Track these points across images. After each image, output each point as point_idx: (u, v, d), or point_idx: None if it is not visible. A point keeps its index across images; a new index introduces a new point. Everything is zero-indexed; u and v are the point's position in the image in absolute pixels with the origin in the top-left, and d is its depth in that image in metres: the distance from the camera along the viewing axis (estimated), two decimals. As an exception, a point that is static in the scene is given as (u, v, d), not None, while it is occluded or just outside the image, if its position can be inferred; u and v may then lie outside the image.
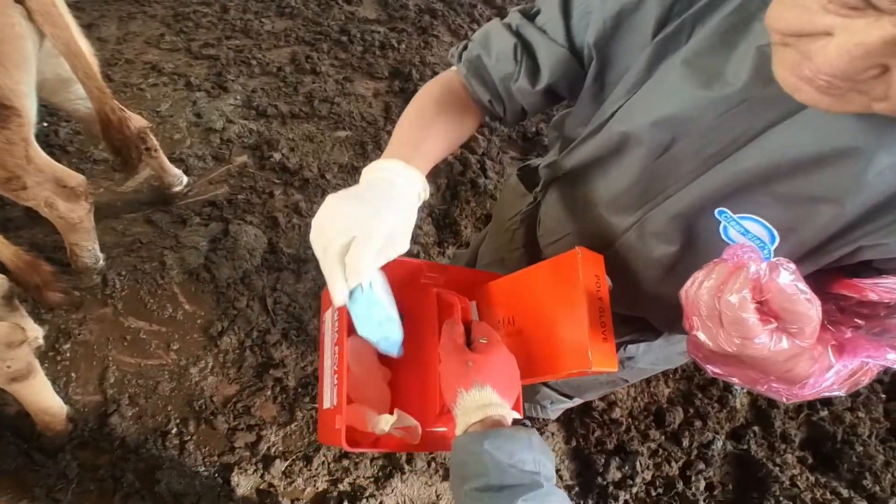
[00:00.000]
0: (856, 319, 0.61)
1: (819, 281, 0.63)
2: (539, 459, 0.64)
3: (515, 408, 0.74)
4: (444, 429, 0.84)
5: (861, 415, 1.97)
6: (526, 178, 1.05)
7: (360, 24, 2.96)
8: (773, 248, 0.62)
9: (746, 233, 0.63)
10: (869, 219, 0.56)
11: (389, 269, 0.86)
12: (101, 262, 1.63)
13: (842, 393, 0.63)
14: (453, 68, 0.83)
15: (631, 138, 0.68)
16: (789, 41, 0.46)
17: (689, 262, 0.72)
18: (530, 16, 0.75)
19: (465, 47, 0.81)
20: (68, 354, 1.51)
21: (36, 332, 1.46)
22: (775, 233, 0.61)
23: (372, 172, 0.73)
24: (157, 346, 1.58)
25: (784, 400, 0.66)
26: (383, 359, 0.93)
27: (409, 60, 2.69)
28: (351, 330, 0.73)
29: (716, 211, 0.64)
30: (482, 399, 0.68)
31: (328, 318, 0.85)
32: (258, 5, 2.97)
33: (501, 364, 0.73)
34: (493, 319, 0.87)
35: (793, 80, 0.48)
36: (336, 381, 0.76)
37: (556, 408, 1.53)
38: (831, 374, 0.59)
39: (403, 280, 0.91)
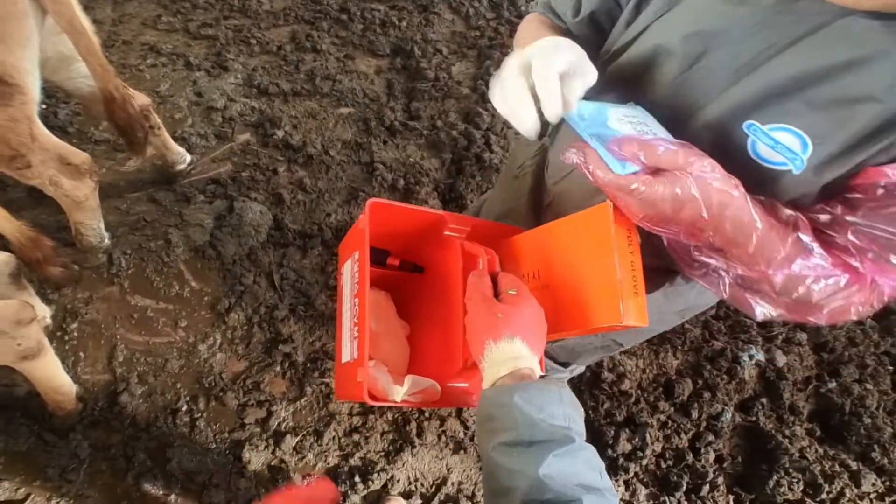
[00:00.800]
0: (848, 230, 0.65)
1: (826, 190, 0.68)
2: (570, 414, 0.63)
3: (539, 364, 0.73)
4: (466, 384, 0.83)
5: (869, 386, 1.99)
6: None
7: (360, 1, 2.95)
8: (805, 157, 0.64)
9: (776, 144, 0.65)
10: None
11: (411, 221, 0.88)
12: (106, 240, 1.64)
13: (825, 314, 0.68)
14: (529, 16, 0.97)
15: (662, 51, 0.72)
16: None
17: None
18: None
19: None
20: (76, 334, 1.53)
21: (44, 312, 1.48)
22: (808, 140, 0.63)
23: (534, 46, 0.71)
24: (164, 324, 1.60)
25: (766, 292, 0.69)
26: (403, 314, 0.93)
27: (411, 38, 2.68)
28: (371, 282, 0.74)
29: (744, 125, 0.66)
30: (512, 351, 0.67)
31: (347, 270, 0.85)
32: (256, -15, 2.96)
33: (531, 316, 0.72)
34: (518, 273, 0.86)
35: None
36: (357, 334, 0.76)
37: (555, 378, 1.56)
38: (801, 264, 0.64)
39: (426, 232, 0.90)
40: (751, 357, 1.95)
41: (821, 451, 1.84)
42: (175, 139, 1.88)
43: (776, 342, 2.03)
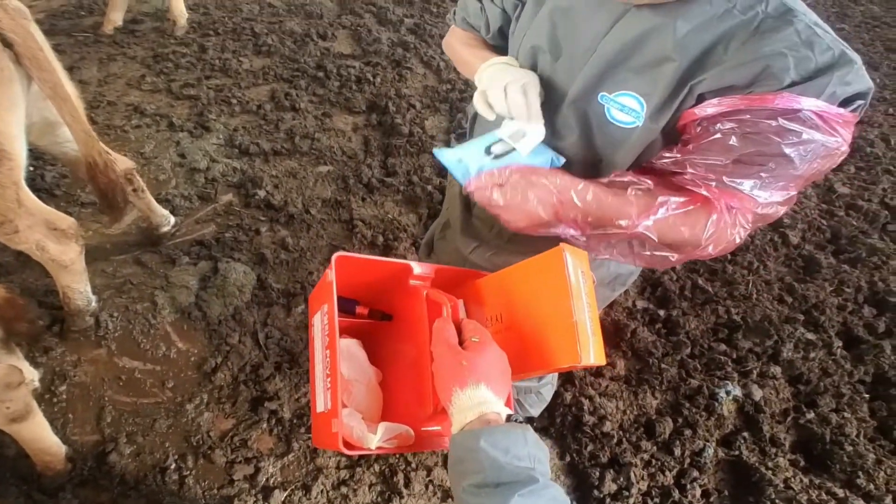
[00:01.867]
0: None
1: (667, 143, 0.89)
2: (534, 455, 0.68)
3: (507, 404, 0.78)
4: (439, 427, 0.87)
5: (847, 415, 2.09)
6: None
7: (335, 59, 3.16)
8: (643, 113, 0.85)
9: (623, 107, 0.87)
10: (695, 67, 0.80)
11: (377, 271, 0.96)
12: (93, 303, 1.73)
13: (707, 246, 0.84)
14: (452, 26, 1.19)
15: (537, 50, 0.95)
16: None
17: (588, 146, 0.95)
18: None
19: (454, 14, 1.17)
20: (64, 396, 1.60)
21: (32, 375, 1.54)
22: (642, 100, 0.85)
23: (491, 67, 0.99)
24: (152, 385, 1.67)
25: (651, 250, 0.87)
26: (374, 360, 1.00)
27: (385, 93, 2.87)
28: (340, 332, 0.81)
29: (599, 97, 0.89)
30: (478, 397, 0.72)
31: (317, 321, 0.90)
32: (235, 44, 3.16)
33: (494, 362, 0.77)
34: (482, 317, 0.92)
35: None
36: (329, 385, 0.80)
37: (535, 401, 1.67)
38: (659, 210, 0.81)
39: (393, 281, 0.97)
40: (727, 393, 2.06)
41: (806, 480, 1.91)
42: (159, 201, 2.00)
43: (751, 377, 2.14)
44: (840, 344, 2.25)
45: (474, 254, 1.20)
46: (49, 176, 2.07)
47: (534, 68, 0.97)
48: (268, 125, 2.54)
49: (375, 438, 0.82)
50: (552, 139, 0.97)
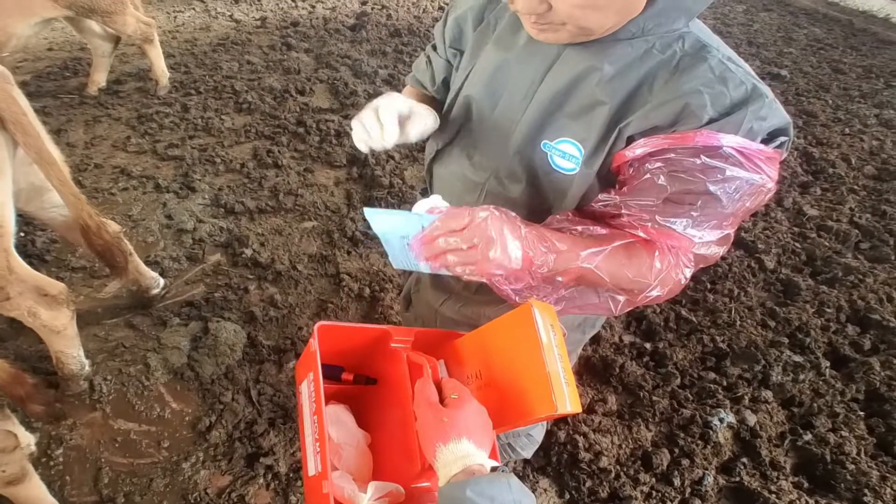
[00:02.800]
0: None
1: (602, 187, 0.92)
2: (519, 501, 0.72)
3: (492, 456, 0.85)
4: (428, 483, 0.93)
5: (845, 433, 2.15)
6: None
7: (314, 113, 3.33)
8: (582, 158, 0.88)
9: (564, 154, 0.90)
10: (624, 110, 0.84)
11: (359, 338, 1.03)
12: (86, 367, 1.80)
13: (655, 287, 0.88)
14: (406, 87, 1.25)
15: (472, 101, 1.00)
16: (516, 8, 0.78)
17: (536, 194, 0.97)
18: (433, 45, 1.17)
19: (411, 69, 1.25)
20: (61, 459, 1.65)
21: (28, 440, 1.58)
22: (579, 145, 0.88)
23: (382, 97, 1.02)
24: (147, 445, 1.73)
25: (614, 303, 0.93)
26: (363, 423, 1.06)
27: (366, 146, 3.03)
28: (328, 399, 0.87)
29: (541, 145, 0.92)
30: (460, 451, 0.76)
31: (304, 389, 0.97)
32: (217, 103, 3.33)
33: (474, 416, 0.83)
34: (463, 375, 0.98)
35: (532, 30, 0.82)
36: (318, 449, 0.86)
37: (525, 444, 1.72)
38: (607, 251, 0.84)
39: (374, 346, 1.04)
40: (721, 420, 2.14)
41: (812, 501, 1.96)
42: (148, 263, 2.10)
43: (743, 403, 2.23)
44: (828, 364, 2.35)
45: (444, 306, 1.25)
46: (39, 241, 2.17)
47: (468, 118, 1.03)
48: (252, 183, 2.68)
49: (366, 497, 0.86)
50: (500, 189, 1.01)
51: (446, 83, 1.14)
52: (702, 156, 0.78)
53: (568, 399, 0.82)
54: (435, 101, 1.18)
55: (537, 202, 0.98)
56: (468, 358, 0.99)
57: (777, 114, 0.79)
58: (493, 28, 1.00)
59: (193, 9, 4.72)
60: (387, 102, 0.93)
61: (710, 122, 0.77)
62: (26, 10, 2.53)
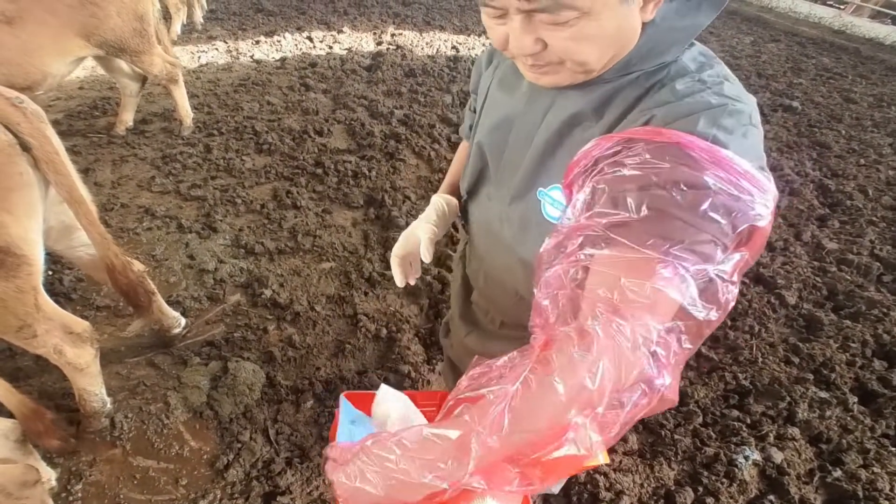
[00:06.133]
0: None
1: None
2: None
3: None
4: None
5: (877, 470, 2.11)
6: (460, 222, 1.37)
7: (332, 154, 3.44)
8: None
9: (553, 202, 0.87)
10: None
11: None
12: (108, 405, 1.86)
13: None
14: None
15: (484, 145, 1.01)
16: (509, 52, 0.78)
17: (522, 242, 0.94)
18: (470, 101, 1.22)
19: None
20: (80, 495, 1.70)
21: (49, 475, 1.65)
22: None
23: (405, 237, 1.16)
24: (166, 483, 1.77)
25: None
26: None
27: (381, 187, 3.12)
28: None
29: (536, 192, 0.89)
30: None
31: None
32: (238, 143, 3.46)
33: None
34: None
35: (530, 74, 0.81)
36: None
37: None
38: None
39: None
40: (746, 458, 2.11)
41: None
42: (170, 303, 2.17)
43: (769, 440, 2.21)
44: (855, 400, 2.33)
45: (469, 338, 1.26)
46: (66, 280, 2.26)
47: (484, 164, 1.04)
48: (271, 224, 2.77)
49: None
50: (498, 230, 1.01)
51: None
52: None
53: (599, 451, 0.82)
54: None
55: (525, 249, 0.94)
56: None
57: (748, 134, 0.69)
58: (495, 77, 1.02)
59: (216, 49, 4.93)
60: (396, 254, 1.11)
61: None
62: (61, 49, 2.68)
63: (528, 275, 0.86)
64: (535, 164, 0.89)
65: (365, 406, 1.04)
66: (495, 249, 1.05)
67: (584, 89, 0.82)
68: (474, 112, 1.13)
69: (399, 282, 1.12)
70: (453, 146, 3.57)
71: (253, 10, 6.11)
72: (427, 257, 1.08)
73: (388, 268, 2.65)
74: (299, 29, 5.64)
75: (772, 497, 2.01)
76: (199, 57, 4.74)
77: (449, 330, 1.48)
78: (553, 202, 0.87)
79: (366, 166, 3.26)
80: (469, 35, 6.29)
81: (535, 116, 0.90)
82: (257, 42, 5.16)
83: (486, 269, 1.12)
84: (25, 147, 1.43)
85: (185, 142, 3.42)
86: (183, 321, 2.16)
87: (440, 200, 1.17)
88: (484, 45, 5.78)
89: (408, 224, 2.82)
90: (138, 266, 1.90)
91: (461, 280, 1.29)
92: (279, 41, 5.25)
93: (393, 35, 5.81)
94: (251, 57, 4.87)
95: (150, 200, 2.80)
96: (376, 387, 2.13)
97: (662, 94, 0.74)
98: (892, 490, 2.05)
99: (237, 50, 4.96)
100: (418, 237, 1.11)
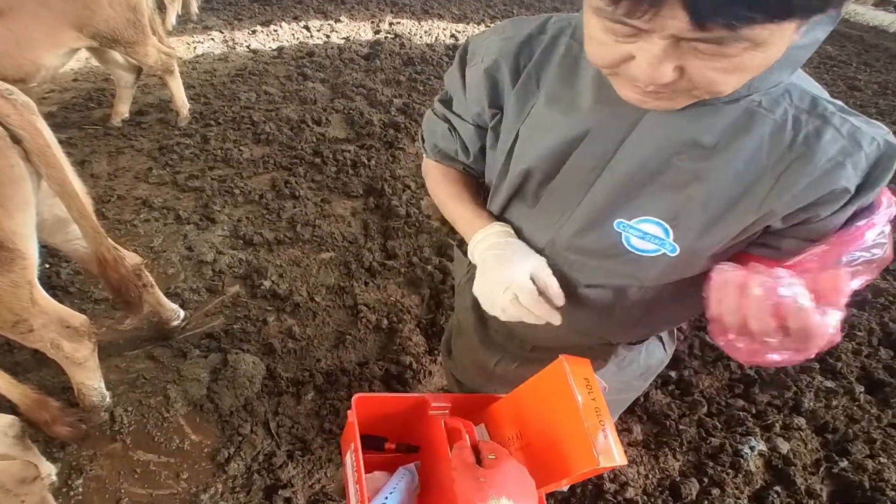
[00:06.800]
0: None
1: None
2: None
3: None
4: None
5: (883, 460, 2.11)
6: (464, 246, 1.25)
7: (331, 144, 3.42)
8: (670, 240, 0.79)
9: (645, 235, 0.80)
10: (739, 188, 0.73)
11: (397, 406, 1.06)
12: (107, 399, 1.84)
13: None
14: (428, 159, 1.11)
15: (529, 172, 0.88)
16: (616, 70, 0.66)
17: (603, 273, 0.89)
18: (447, 102, 1.02)
19: (423, 139, 1.09)
20: (81, 490, 1.69)
21: (49, 470, 1.63)
22: (666, 225, 0.78)
23: (482, 244, 0.95)
24: (167, 477, 1.76)
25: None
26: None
27: (381, 176, 3.09)
28: (374, 468, 0.90)
29: (615, 224, 0.82)
30: None
31: (348, 460, 1.00)
32: (236, 134, 3.43)
33: (512, 474, 0.84)
34: (503, 437, 1.01)
35: (635, 96, 0.68)
36: None
37: None
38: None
39: (413, 414, 1.07)
40: (752, 448, 2.10)
41: None
42: (168, 295, 2.15)
43: (774, 430, 2.20)
44: (862, 389, 2.32)
45: (499, 367, 1.21)
46: (64, 273, 2.25)
47: (522, 188, 0.92)
48: (270, 214, 2.75)
49: None
50: (563, 257, 0.92)
51: (484, 151, 1.00)
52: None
53: (615, 450, 0.82)
54: (474, 184, 1.07)
55: (604, 280, 0.89)
56: (506, 419, 1.01)
57: None
58: (537, 82, 0.86)
59: (212, 39, 4.89)
60: (531, 297, 0.87)
61: (858, 190, 0.71)
62: (54, 41, 2.65)
63: (608, 299, 0.88)
64: (612, 193, 0.80)
65: (375, 408, 1.03)
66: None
67: (686, 113, 0.72)
68: (479, 127, 0.98)
69: (556, 319, 0.90)
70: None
71: (249, -1, 6.06)
72: (560, 300, 0.90)
73: (389, 257, 2.64)
74: (296, 18, 5.59)
75: (778, 488, 2.00)
76: (195, 47, 4.70)
77: (451, 352, 1.43)
78: (644, 235, 0.81)
79: (365, 155, 3.23)
80: (468, 23, 6.24)
81: (606, 141, 0.79)
82: (254, 32, 5.12)
83: None
84: (16, 139, 1.40)
85: (181, 132, 3.39)
86: (182, 313, 2.14)
87: (507, 228, 0.97)
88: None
89: (409, 213, 2.83)
90: (135, 259, 1.88)
91: (474, 309, 1.21)
92: (276, 31, 5.21)
93: (391, 24, 5.76)
94: (248, 47, 4.82)
95: (147, 192, 2.78)
96: (378, 378, 2.13)
97: (828, 144, 0.70)
98: (899, 480, 2.04)
99: (233, 40, 4.92)
100: (531, 273, 0.90)
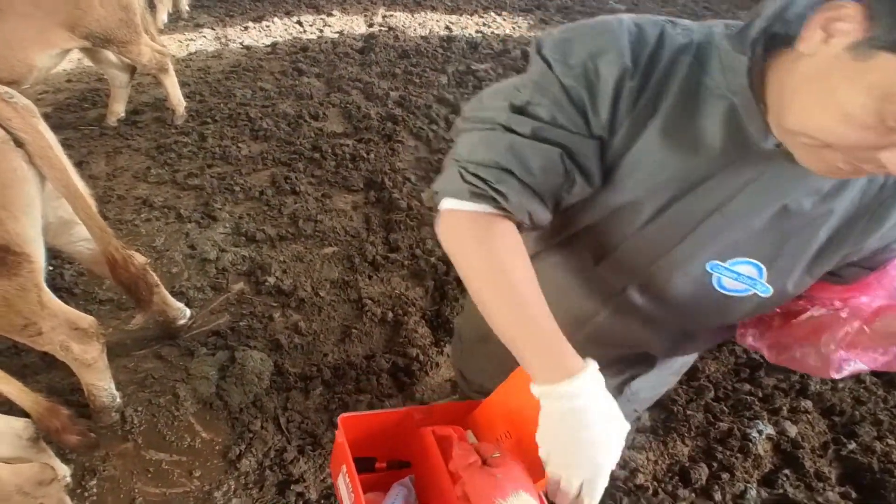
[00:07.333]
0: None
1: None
2: None
3: None
4: None
5: (891, 441, 2.12)
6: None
7: (329, 138, 3.41)
8: (764, 280, 0.79)
9: (738, 276, 0.79)
10: (844, 229, 0.76)
11: (383, 422, 1.06)
12: (117, 399, 1.85)
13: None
14: (464, 209, 0.79)
15: (630, 205, 0.79)
16: (837, 147, 0.61)
17: (681, 314, 0.88)
18: (538, 117, 0.76)
19: (481, 180, 0.76)
20: (95, 490, 1.70)
21: (63, 471, 1.64)
22: (761, 266, 0.78)
23: (581, 395, 0.73)
24: (179, 475, 1.77)
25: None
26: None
27: (380, 169, 3.09)
28: (367, 489, 0.90)
29: (708, 265, 0.79)
30: (521, 503, 0.80)
31: (341, 483, 1.00)
32: (233, 130, 3.42)
33: (520, 469, 0.86)
34: (491, 438, 1.00)
35: (830, 169, 0.65)
36: None
37: None
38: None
39: (400, 428, 1.07)
40: (760, 432, 2.12)
41: None
42: (174, 294, 2.16)
43: (782, 413, 2.22)
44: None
45: None
46: (68, 275, 2.26)
47: (612, 227, 0.84)
48: (271, 210, 2.75)
49: None
50: (635, 301, 0.89)
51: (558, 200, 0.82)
52: None
53: None
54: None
55: (680, 321, 0.88)
56: (492, 421, 1.01)
57: None
58: (652, 111, 0.74)
59: (205, 37, 4.86)
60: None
61: None
62: (46, 42, 2.64)
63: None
64: (713, 234, 0.78)
65: (362, 427, 1.02)
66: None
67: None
68: (601, 140, 0.77)
69: None
70: (451, 127, 3.52)
71: (239, -5, 6.02)
72: None
73: (391, 250, 2.65)
74: (288, 13, 5.56)
75: (787, 471, 2.02)
76: (188, 45, 4.67)
77: (464, 377, 1.43)
78: (737, 276, 0.79)
79: (364, 149, 3.23)
80: (461, 14, 6.21)
81: (731, 186, 0.74)
82: (246, 28, 5.09)
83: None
84: (18, 143, 1.41)
85: (178, 131, 3.38)
86: (188, 312, 2.15)
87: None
88: (477, 25, 5.69)
89: (410, 206, 2.83)
90: (140, 259, 1.89)
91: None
92: (268, 26, 5.18)
93: (384, 17, 5.73)
94: (241, 43, 4.80)
95: (146, 191, 2.77)
96: (385, 371, 2.14)
97: None
98: (906, 462, 2.06)
99: (226, 37, 4.89)
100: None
